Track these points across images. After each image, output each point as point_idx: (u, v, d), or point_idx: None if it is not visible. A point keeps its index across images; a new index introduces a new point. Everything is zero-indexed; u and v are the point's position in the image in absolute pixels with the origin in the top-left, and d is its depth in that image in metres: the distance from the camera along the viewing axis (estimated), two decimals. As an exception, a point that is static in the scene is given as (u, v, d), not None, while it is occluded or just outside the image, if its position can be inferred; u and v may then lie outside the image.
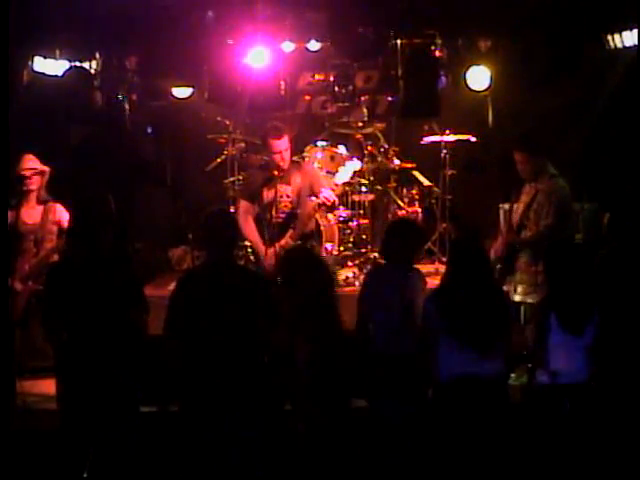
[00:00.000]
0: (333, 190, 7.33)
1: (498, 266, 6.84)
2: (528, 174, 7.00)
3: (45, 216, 7.07)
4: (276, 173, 7.12)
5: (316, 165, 8.96)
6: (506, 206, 7.39)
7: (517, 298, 6.86)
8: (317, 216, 7.67)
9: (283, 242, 7.07)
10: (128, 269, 5.39)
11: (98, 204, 5.41)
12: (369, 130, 9.49)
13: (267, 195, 7.10)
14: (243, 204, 7.34)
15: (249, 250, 8.32)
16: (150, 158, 9.50)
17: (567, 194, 6.99)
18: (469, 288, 5.34)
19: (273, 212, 7.10)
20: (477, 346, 5.27)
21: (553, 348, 5.41)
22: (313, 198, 7.15)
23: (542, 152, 7.06)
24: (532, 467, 5.43)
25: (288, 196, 7.19)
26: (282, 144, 7.12)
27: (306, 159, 9.00)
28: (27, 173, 7.03)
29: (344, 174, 7.48)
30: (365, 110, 9.50)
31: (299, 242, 7.16)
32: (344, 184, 8.15)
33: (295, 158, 7.85)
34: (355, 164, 7.60)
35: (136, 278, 5.45)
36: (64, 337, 5.23)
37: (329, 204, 7.20)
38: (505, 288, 6.83)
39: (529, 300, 6.82)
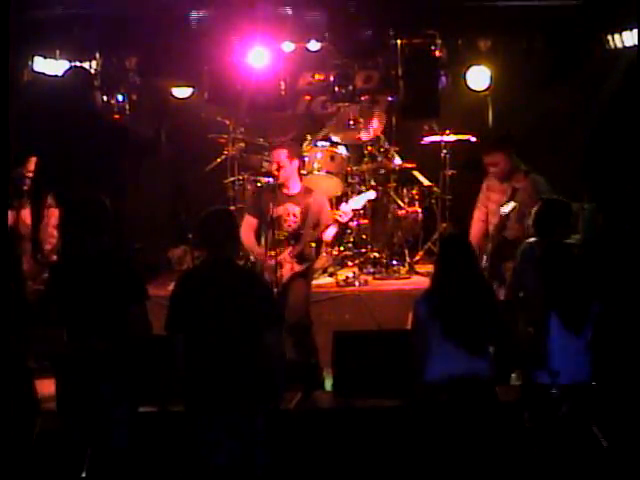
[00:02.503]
0: (344, 214, 7.29)
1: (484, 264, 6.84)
2: (504, 174, 6.99)
3: (46, 219, 7.06)
4: (276, 181, 7.18)
5: (316, 165, 8.96)
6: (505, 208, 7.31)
7: None
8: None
9: (281, 257, 7.09)
10: (126, 267, 5.36)
11: (92, 206, 5.38)
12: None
13: (274, 211, 7.12)
14: (247, 219, 7.36)
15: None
16: (147, 134, 9.39)
17: (549, 190, 6.98)
18: (459, 287, 5.34)
19: (276, 228, 7.11)
20: (468, 345, 5.28)
21: (553, 348, 5.41)
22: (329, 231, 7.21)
23: (515, 150, 7.05)
24: (529, 467, 5.43)
25: (295, 216, 7.22)
26: (276, 155, 7.19)
27: (307, 159, 9.00)
28: (31, 175, 7.01)
29: (358, 202, 7.52)
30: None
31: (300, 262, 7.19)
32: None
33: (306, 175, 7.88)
34: (369, 194, 7.64)
35: (136, 275, 5.41)
36: (63, 337, 5.23)
37: (329, 240, 7.25)
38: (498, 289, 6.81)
39: None
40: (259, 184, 8.73)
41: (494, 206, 7.00)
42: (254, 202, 7.53)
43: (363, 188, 9.05)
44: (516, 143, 7.15)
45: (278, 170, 7.17)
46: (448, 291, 5.37)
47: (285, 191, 7.25)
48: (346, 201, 9.04)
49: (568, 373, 5.41)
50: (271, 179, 7.32)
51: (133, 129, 8.38)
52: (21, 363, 5.51)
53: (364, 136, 8.93)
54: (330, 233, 7.30)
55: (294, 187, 7.28)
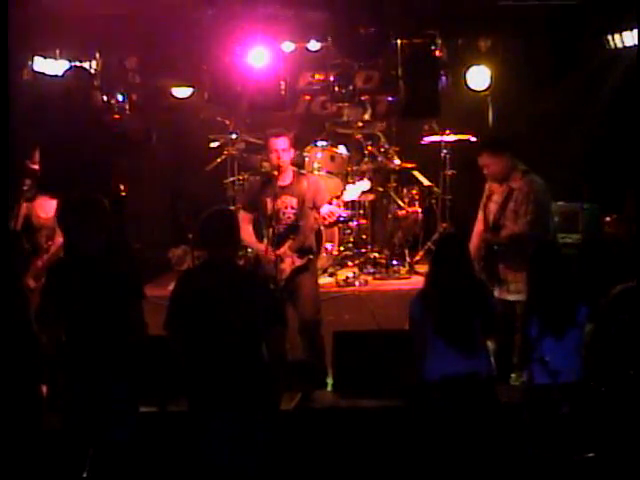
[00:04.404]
0: (337, 205, 7.18)
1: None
2: (498, 175, 6.96)
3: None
4: (275, 173, 7.09)
5: (316, 165, 8.96)
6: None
7: (512, 297, 6.79)
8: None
9: (281, 251, 7.04)
10: (124, 267, 5.34)
11: (90, 206, 5.36)
12: (369, 130, 9.50)
13: (271, 205, 7.04)
14: (242, 214, 7.25)
15: (249, 250, 8.32)
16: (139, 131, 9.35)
17: (545, 190, 6.95)
18: (451, 286, 5.34)
19: (275, 222, 7.04)
20: (462, 344, 5.28)
21: (540, 349, 5.39)
22: (322, 211, 7.09)
23: (508, 150, 7.00)
24: (528, 466, 5.43)
25: (293, 207, 7.12)
26: (279, 143, 7.06)
27: (307, 159, 9.00)
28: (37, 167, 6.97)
29: (352, 192, 7.28)
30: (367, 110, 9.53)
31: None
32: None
33: (298, 162, 7.80)
34: (364, 184, 7.43)
35: (134, 275, 5.39)
36: (61, 337, 5.22)
37: (331, 221, 7.15)
38: (497, 289, 6.78)
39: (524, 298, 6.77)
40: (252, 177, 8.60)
41: (495, 207, 6.98)
42: (249, 197, 7.39)
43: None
44: (510, 145, 7.11)
45: (279, 158, 7.08)
46: (441, 290, 5.37)
47: (280, 182, 7.10)
48: (345, 202, 9.07)
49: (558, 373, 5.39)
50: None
51: (125, 127, 8.39)
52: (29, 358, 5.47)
53: None
54: (328, 211, 7.08)
55: (288, 176, 7.15)
